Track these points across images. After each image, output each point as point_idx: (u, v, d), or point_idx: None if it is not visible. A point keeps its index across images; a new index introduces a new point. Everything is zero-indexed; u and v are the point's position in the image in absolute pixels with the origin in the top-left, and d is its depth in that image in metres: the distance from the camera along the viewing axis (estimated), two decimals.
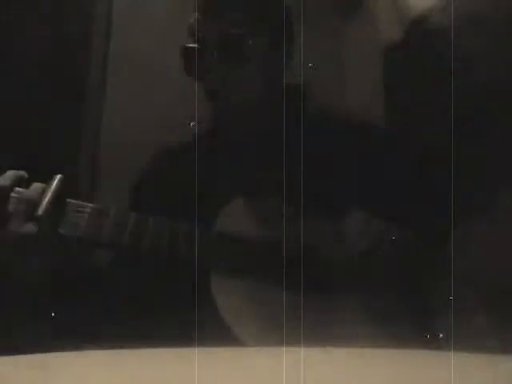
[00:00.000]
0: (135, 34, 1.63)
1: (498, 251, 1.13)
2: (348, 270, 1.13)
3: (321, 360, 0.66)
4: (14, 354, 0.65)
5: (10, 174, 1.08)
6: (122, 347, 0.69)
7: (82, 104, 1.64)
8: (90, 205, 1.09)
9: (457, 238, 1.16)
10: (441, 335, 0.87)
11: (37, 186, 1.08)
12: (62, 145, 1.56)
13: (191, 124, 1.26)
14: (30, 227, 1.05)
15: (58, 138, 1.55)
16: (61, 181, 1.08)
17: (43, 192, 1.07)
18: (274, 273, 1.10)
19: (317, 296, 1.10)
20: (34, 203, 1.05)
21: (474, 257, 1.13)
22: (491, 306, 1.09)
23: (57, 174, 1.09)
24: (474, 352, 0.68)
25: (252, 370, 0.62)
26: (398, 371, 0.62)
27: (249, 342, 1.03)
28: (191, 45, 1.21)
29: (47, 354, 0.66)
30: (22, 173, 1.09)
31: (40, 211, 1.05)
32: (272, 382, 0.58)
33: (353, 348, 0.71)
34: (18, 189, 1.07)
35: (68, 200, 1.08)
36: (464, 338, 0.99)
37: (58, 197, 1.07)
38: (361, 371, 0.63)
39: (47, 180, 1.09)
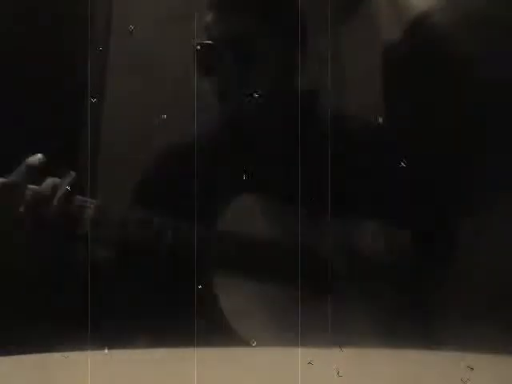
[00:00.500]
0: (136, 32, 1.63)
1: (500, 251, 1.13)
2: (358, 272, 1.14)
3: (321, 360, 0.66)
4: (13, 354, 0.65)
5: (23, 168, 1.08)
6: (122, 347, 0.69)
7: (82, 104, 1.64)
8: (94, 201, 1.09)
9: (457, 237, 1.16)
10: None
11: (49, 181, 1.08)
12: (62, 145, 1.56)
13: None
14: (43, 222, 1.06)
15: (57, 137, 1.55)
16: (73, 178, 1.09)
17: (55, 187, 1.07)
18: (277, 273, 1.10)
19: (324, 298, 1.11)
20: (47, 199, 1.06)
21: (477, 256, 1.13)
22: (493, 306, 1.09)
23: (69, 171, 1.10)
24: (474, 352, 0.68)
25: (251, 370, 0.62)
26: (399, 371, 0.62)
27: (250, 343, 1.03)
28: (205, 42, 1.20)
29: (47, 354, 0.66)
30: (36, 160, 1.09)
31: (53, 207, 1.06)
32: (271, 381, 0.58)
33: (353, 348, 0.71)
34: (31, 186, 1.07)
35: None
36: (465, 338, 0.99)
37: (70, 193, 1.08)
38: (360, 371, 0.63)
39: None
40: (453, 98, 1.27)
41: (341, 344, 0.75)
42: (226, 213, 1.14)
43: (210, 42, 1.20)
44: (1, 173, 1.08)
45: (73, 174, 1.09)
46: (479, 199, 1.19)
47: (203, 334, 1.01)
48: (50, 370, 0.62)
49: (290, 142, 1.18)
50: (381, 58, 1.41)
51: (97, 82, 1.64)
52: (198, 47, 1.20)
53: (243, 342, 1.03)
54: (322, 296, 1.11)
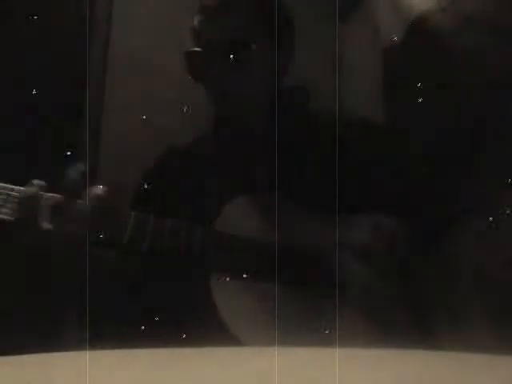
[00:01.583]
0: (135, 34, 1.63)
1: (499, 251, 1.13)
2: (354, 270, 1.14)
3: (321, 360, 0.66)
4: (13, 354, 0.65)
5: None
6: (121, 347, 0.69)
7: (82, 103, 1.64)
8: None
9: (457, 237, 1.16)
10: None
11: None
12: (62, 144, 1.56)
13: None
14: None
15: (58, 137, 1.56)
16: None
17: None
18: (274, 272, 1.10)
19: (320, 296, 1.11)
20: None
21: (474, 257, 1.13)
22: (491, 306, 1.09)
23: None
24: (474, 352, 0.68)
25: (251, 370, 0.62)
26: (399, 371, 0.62)
27: (249, 342, 1.03)
28: (195, 49, 1.22)
29: (47, 354, 0.66)
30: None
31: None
32: (271, 382, 0.58)
33: (352, 348, 0.71)
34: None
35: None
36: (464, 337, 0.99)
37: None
38: (360, 371, 0.63)
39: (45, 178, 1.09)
40: (452, 98, 1.27)
41: (340, 344, 0.75)
42: (224, 213, 1.14)
43: (198, 49, 1.21)
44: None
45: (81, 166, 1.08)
46: (479, 199, 1.19)
47: (201, 334, 1.01)
48: (49, 370, 0.62)
49: (284, 141, 1.18)
50: (381, 57, 1.41)
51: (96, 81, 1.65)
52: (190, 53, 1.22)
53: (240, 343, 1.03)
54: (321, 296, 1.11)
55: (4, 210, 1.04)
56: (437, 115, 1.28)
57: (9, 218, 1.04)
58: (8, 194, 1.05)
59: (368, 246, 1.15)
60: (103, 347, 0.70)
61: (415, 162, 1.24)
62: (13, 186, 1.06)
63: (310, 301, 1.10)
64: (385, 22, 1.42)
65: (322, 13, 1.49)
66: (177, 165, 1.29)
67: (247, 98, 1.22)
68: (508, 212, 1.10)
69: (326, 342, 0.94)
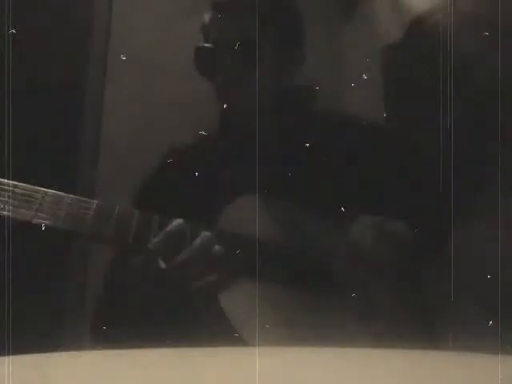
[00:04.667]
0: (137, 33, 1.63)
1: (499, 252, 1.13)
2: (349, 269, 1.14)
3: (322, 360, 0.66)
4: (13, 354, 0.65)
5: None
6: (121, 347, 0.69)
7: (82, 104, 1.64)
8: (95, 201, 1.09)
9: (457, 238, 1.16)
10: None
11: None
12: (62, 145, 1.56)
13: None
14: None
15: (57, 137, 1.56)
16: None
17: None
18: (277, 272, 1.10)
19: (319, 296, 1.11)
20: None
21: (474, 257, 1.13)
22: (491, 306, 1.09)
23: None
24: (474, 352, 0.68)
25: (252, 370, 0.62)
26: (399, 371, 0.62)
27: (250, 342, 1.03)
28: (205, 44, 1.22)
29: (47, 354, 0.66)
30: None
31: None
32: (272, 382, 0.58)
33: (353, 348, 0.71)
34: None
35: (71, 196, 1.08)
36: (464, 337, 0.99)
37: None
38: (361, 371, 0.63)
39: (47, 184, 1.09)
40: (452, 98, 1.27)
41: (340, 344, 0.75)
42: (227, 213, 1.14)
43: (209, 45, 1.21)
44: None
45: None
46: (481, 199, 1.19)
47: (204, 333, 1.01)
48: (50, 370, 0.62)
49: (290, 140, 1.18)
50: (381, 57, 1.41)
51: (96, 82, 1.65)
52: (199, 49, 1.22)
53: (244, 342, 1.03)
54: (322, 296, 1.11)
55: (7, 207, 1.03)
56: (437, 115, 1.28)
57: (10, 215, 1.03)
58: (12, 191, 1.04)
59: (368, 246, 1.15)
60: (103, 347, 0.70)
61: (415, 162, 1.24)
62: (16, 183, 1.05)
63: (312, 301, 1.10)
64: (385, 21, 1.42)
65: (322, 12, 1.49)
66: (179, 164, 1.29)
67: (255, 97, 1.22)
68: None
69: (329, 341, 0.94)
